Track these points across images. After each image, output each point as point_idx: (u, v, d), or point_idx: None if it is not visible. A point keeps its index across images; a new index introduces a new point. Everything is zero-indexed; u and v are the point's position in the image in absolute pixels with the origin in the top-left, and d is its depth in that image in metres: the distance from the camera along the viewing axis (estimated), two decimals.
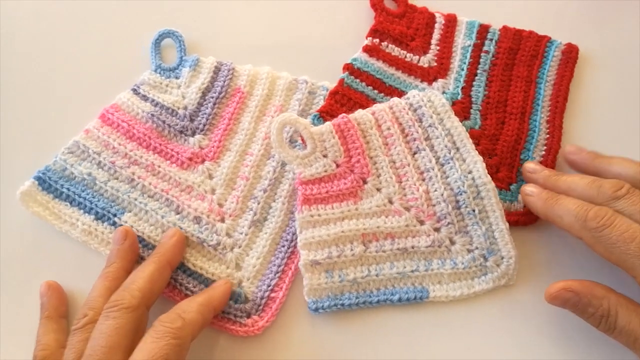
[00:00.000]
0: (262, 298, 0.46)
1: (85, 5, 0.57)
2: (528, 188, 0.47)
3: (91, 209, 0.48)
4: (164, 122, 0.50)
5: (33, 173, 0.49)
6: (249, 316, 0.45)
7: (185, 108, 0.51)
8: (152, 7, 0.57)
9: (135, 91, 0.52)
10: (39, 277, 0.47)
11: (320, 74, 0.53)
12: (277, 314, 0.46)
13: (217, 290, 0.44)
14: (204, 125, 0.51)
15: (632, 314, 0.39)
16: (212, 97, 0.52)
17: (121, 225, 0.47)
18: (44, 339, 0.43)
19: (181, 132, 0.51)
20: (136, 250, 0.46)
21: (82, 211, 0.48)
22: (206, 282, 0.46)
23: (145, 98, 0.51)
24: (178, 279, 0.46)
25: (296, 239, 0.47)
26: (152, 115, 0.51)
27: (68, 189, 0.48)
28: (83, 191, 0.48)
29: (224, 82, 0.52)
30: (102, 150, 0.50)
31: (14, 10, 0.57)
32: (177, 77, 0.53)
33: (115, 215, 0.48)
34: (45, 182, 0.48)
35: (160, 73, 0.53)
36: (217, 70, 0.53)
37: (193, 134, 0.51)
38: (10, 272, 0.48)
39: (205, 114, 0.51)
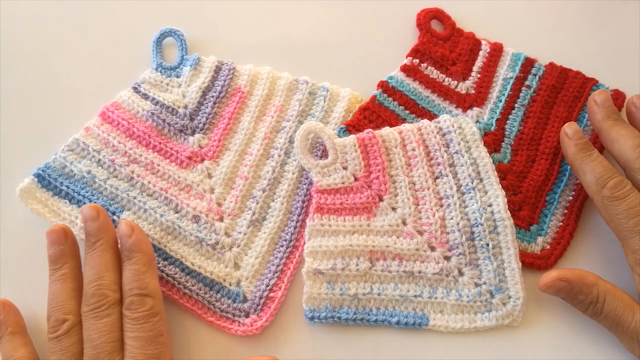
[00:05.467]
0: (260, 298, 0.49)
1: (87, 3, 0.60)
2: (569, 129, 0.50)
3: None
4: (164, 120, 0.54)
5: (33, 170, 0.51)
6: (247, 316, 0.48)
7: (186, 107, 0.54)
8: (154, 6, 0.60)
9: (135, 89, 0.55)
10: (39, 275, 0.50)
11: (321, 75, 0.56)
12: (275, 314, 0.49)
13: (148, 245, 0.47)
14: (204, 125, 0.54)
15: (618, 301, 0.45)
16: (213, 97, 0.55)
17: None
18: (18, 353, 0.45)
19: (181, 131, 0.54)
20: (78, 246, 0.49)
21: None
22: (204, 280, 0.49)
23: (145, 96, 0.55)
24: (177, 277, 0.49)
25: (295, 238, 0.51)
26: (152, 113, 0.54)
27: (67, 187, 0.51)
28: (82, 189, 0.51)
29: (225, 81, 0.55)
30: (102, 148, 0.52)
31: (15, 8, 0.60)
32: (177, 76, 0.56)
33: (114, 214, 0.51)
34: (44, 180, 0.51)
35: (161, 72, 0.56)
36: (217, 69, 0.56)
37: (193, 133, 0.54)
38: (9, 270, 0.51)
39: (205, 113, 0.54)
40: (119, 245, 0.47)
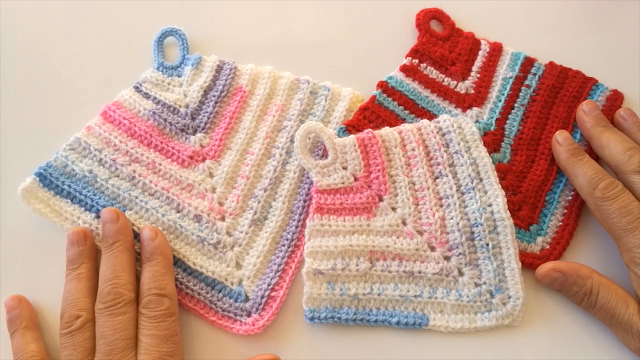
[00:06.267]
0: (262, 297, 0.49)
1: (88, 2, 0.60)
2: (560, 136, 0.53)
3: (92, 206, 0.51)
4: (165, 120, 0.54)
5: (34, 169, 0.51)
6: (249, 315, 0.48)
7: (187, 106, 0.54)
8: (155, 5, 0.60)
9: (137, 89, 0.55)
10: (40, 275, 0.51)
11: (321, 75, 0.56)
12: (277, 313, 0.49)
13: (169, 250, 0.49)
14: (205, 124, 0.54)
15: (611, 294, 0.47)
16: (214, 96, 0.55)
17: None
18: (29, 347, 0.46)
19: (182, 130, 0.54)
20: (97, 247, 0.50)
21: (83, 208, 0.51)
22: (206, 280, 0.50)
23: (147, 96, 0.55)
24: (178, 277, 0.49)
25: (296, 238, 0.51)
26: (154, 113, 0.54)
27: (69, 186, 0.51)
28: (84, 188, 0.51)
29: (226, 80, 0.55)
30: (104, 147, 0.52)
31: (16, 8, 0.60)
32: (179, 76, 0.56)
33: None
34: (46, 179, 0.51)
35: (162, 71, 0.56)
36: (219, 69, 0.56)
37: (194, 133, 0.54)
38: (10, 270, 0.51)
39: (207, 112, 0.54)
40: (140, 248, 0.49)
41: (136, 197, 0.51)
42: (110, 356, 0.43)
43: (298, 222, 0.52)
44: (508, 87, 0.56)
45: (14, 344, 0.47)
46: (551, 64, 0.57)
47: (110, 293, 0.45)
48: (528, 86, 0.56)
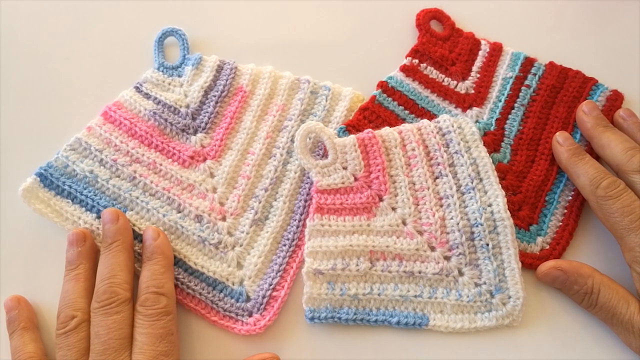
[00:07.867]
0: (263, 297, 0.49)
1: (89, 2, 0.60)
2: (560, 137, 0.53)
3: (93, 206, 0.51)
4: (166, 120, 0.53)
5: (35, 170, 0.51)
6: (250, 315, 0.48)
7: (188, 106, 0.54)
8: (156, 5, 0.60)
9: (137, 89, 0.55)
10: (40, 275, 0.50)
11: (321, 75, 0.56)
12: (279, 313, 0.49)
13: (170, 250, 0.48)
14: (206, 124, 0.54)
15: (612, 293, 0.46)
16: (215, 96, 0.55)
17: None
18: (27, 348, 0.46)
19: (183, 130, 0.54)
20: (96, 248, 0.50)
21: (84, 209, 0.51)
22: (207, 280, 0.49)
23: (147, 96, 0.55)
24: (180, 277, 0.49)
25: (297, 237, 0.51)
26: (154, 113, 0.54)
27: (70, 186, 0.51)
28: (85, 189, 0.51)
29: (227, 80, 0.55)
30: (104, 147, 0.52)
31: (16, 8, 0.60)
32: (179, 76, 0.56)
33: None
34: (47, 179, 0.51)
35: (162, 71, 0.56)
36: (219, 69, 0.56)
37: (195, 133, 0.54)
38: (10, 270, 0.51)
39: (207, 112, 0.54)
40: (142, 248, 0.48)
41: (137, 198, 0.51)
42: (104, 356, 0.43)
43: (299, 222, 0.51)
44: (508, 87, 0.56)
45: (12, 344, 0.47)
46: (551, 64, 0.57)
47: (106, 292, 0.45)
48: (528, 86, 0.56)
